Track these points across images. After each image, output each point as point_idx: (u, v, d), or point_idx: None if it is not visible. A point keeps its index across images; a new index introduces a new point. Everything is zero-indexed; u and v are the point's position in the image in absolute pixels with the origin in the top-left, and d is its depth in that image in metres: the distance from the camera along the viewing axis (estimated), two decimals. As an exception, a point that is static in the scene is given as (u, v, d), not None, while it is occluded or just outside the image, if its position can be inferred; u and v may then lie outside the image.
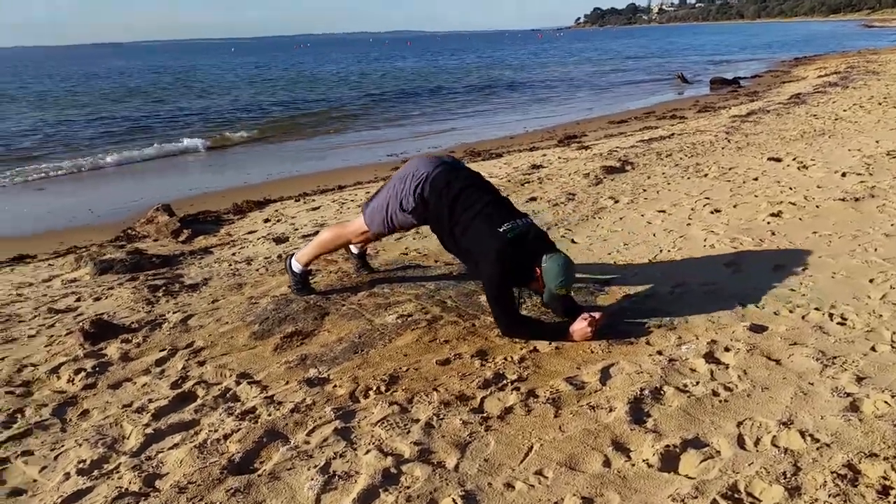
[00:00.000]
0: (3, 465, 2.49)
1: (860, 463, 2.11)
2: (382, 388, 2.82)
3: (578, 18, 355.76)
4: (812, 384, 2.65)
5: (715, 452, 2.26)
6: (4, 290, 4.93)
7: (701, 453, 2.25)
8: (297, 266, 3.98)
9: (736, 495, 2.03)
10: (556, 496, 2.10)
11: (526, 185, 7.17)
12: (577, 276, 4.16)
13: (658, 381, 2.74)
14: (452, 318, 3.54)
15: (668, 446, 2.29)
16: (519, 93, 23.83)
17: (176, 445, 2.51)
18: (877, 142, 8.02)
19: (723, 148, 8.57)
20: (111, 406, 2.89)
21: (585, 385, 2.77)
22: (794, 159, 7.34)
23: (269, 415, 2.66)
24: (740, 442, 2.30)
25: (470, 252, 3.34)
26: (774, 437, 2.31)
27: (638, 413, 2.52)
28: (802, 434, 2.29)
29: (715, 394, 2.63)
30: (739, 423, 2.41)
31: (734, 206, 5.56)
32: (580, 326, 3.15)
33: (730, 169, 7.16)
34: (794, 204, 5.41)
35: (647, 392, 2.65)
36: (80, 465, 2.42)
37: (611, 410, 2.55)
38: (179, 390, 2.97)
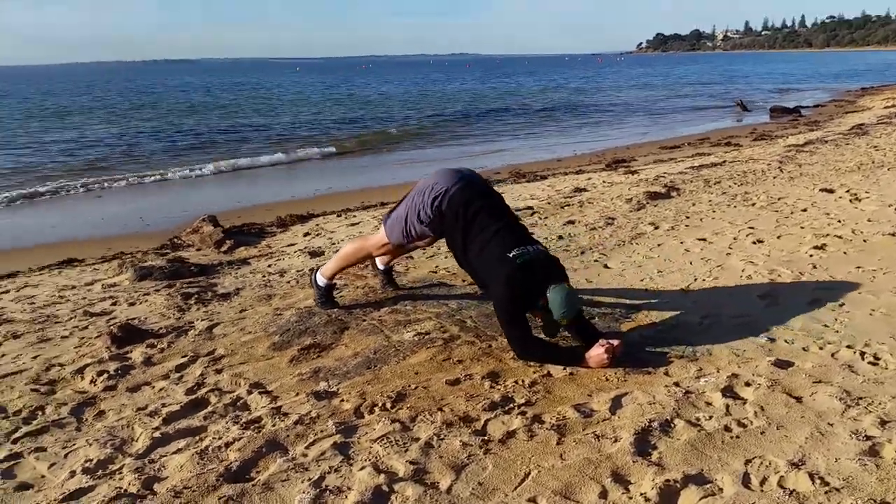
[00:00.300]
0: (16, 459, 2.57)
1: (869, 510, 2.00)
2: (388, 405, 2.81)
3: (640, 43, 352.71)
4: (831, 425, 2.53)
5: (717, 490, 2.18)
6: (49, 292, 5.12)
7: (702, 490, 2.17)
8: (321, 280, 4.02)
9: (734, 536, 1.95)
10: (545, 525, 2.05)
11: (566, 207, 7.11)
12: (605, 301, 4.12)
13: (670, 414, 2.66)
14: (470, 338, 3.51)
15: (668, 481, 2.21)
16: (572, 116, 23.75)
17: (180, 450, 2.55)
18: (938, 176, 7.70)
19: (774, 177, 8.35)
20: (126, 408, 2.95)
21: (594, 413, 2.71)
22: (847, 191, 7.10)
23: (273, 425, 2.67)
24: (745, 481, 2.21)
25: (481, 274, 3.33)
26: (782, 477, 2.21)
27: (643, 445, 2.44)
28: (812, 476, 2.19)
29: (727, 429, 2.54)
30: (748, 462, 2.32)
31: (778, 237, 5.39)
32: (597, 353, 3.09)
33: (779, 199, 6.97)
34: (840, 237, 5.22)
35: (655, 424, 2.57)
36: (87, 465, 2.48)
37: (616, 441, 2.48)
38: (193, 396, 3.01)
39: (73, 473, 2.43)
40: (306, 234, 6.91)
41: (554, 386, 2.97)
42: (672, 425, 2.58)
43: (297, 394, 2.96)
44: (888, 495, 2.07)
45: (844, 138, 12.14)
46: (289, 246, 6.36)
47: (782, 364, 3.07)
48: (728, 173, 8.87)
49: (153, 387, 3.17)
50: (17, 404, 3.01)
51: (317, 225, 7.41)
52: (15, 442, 2.69)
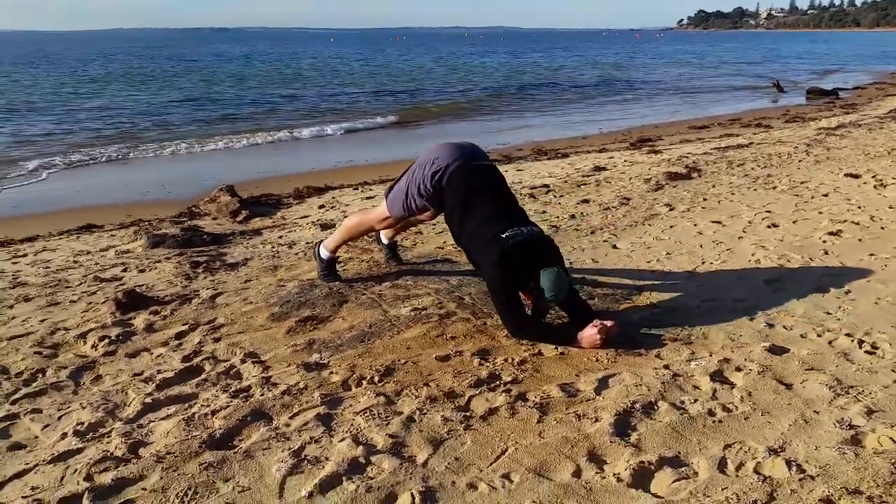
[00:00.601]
0: (12, 420, 2.65)
1: (840, 499, 1.98)
2: (376, 379, 2.83)
3: (681, 20, 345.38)
4: (817, 413, 2.50)
5: (692, 473, 2.17)
6: (64, 256, 5.24)
7: (676, 473, 2.16)
8: (324, 253, 4.05)
9: (701, 520, 1.95)
10: (515, 501, 2.06)
11: (582, 186, 7.05)
12: (608, 281, 4.09)
13: (654, 396, 2.64)
14: (466, 315, 3.52)
15: (643, 462, 2.21)
16: (602, 93, 23.44)
17: (169, 416, 2.60)
18: (970, 162, 7.47)
19: (800, 161, 8.17)
20: (123, 373, 3.02)
21: (579, 393, 2.71)
22: (873, 176, 6.92)
23: (262, 395, 2.72)
24: (721, 465, 2.20)
25: (473, 253, 3.34)
26: (759, 463, 2.19)
27: (623, 426, 2.44)
28: (789, 463, 2.17)
29: (711, 413, 2.52)
30: (727, 446, 2.30)
31: (794, 222, 5.29)
32: (589, 333, 3.08)
33: (801, 183, 6.83)
34: (857, 223, 5.10)
35: (638, 406, 2.56)
36: (78, 427, 2.54)
37: (596, 421, 2.48)
38: (188, 364, 3.07)
39: (64, 435, 2.50)
40: (321, 207, 6.96)
41: (543, 365, 2.97)
42: (655, 408, 2.57)
43: (289, 364, 3.00)
44: (862, 484, 2.05)
45: (880, 122, 11.82)
46: (302, 218, 6.41)
47: (777, 350, 3.04)
48: (753, 155, 8.70)
49: (152, 353, 3.23)
50: (19, 366, 3.10)
51: (333, 198, 7.44)
52: (14, 403, 2.77)
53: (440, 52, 62.36)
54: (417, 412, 2.56)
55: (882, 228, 4.96)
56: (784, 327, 3.31)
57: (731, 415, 2.51)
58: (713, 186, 6.84)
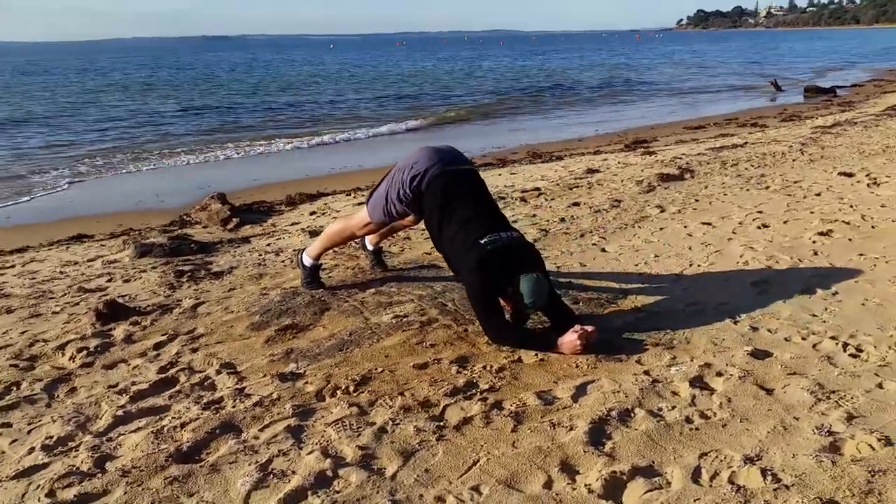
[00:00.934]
0: (-19, 435, 2.61)
1: (813, 509, 1.94)
2: (351, 389, 2.79)
3: (681, 20, 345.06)
4: (797, 419, 2.45)
5: (664, 483, 2.12)
6: (51, 267, 5.22)
7: (649, 483, 2.12)
8: (307, 260, 4.01)
9: (672, 532, 1.90)
10: (483, 514, 2.02)
11: (574, 189, 7.01)
12: (594, 285, 4.05)
13: (632, 403, 2.60)
14: (447, 321, 3.48)
15: (615, 472, 2.16)
16: (599, 94, 23.42)
17: (139, 429, 2.57)
18: (965, 160, 7.42)
19: (794, 160, 8.12)
20: (98, 385, 2.99)
21: (556, 400, 2.67)
22: (867, 175, 6.87)
23: (234, 406, 2.68)
24: (695, 475, 2.15)
25: (453, 259, 3.31)
26: (734, 472, 2.14)
27: (598, 435, 2.40)
28: (764, 472, 2.12)
29: (688, 420, 2.48)
30: (703, 455, 2.26)
31: (784, 223, 5.24)
32: (569, 339, 3.04)
33: (794, 182, 6.78)
34: (848, 223, 5.05)
35: (615, 413, 2.52)
36: (47, 441, 2.51)
37: (571, 429, 2.44)
38: (164, 375, 3.04)
39: (31, 450, 2.47)
40: (312, 213, 6.93)
41: (522, 372, 2.93)
42: (632, 415, 2.52)
43: (265, 375, 2.97)
44: (837, 494, 2.00)
45: (876, 120, 11.76)
46: (292, 225, 6.38)
47: (759, 354, 2.99)
48: (747, 155, 8.65)
49: (129, 364, 3.20)
50: (-6, 379, 3.07)
51: (325, 204, 7.42)
52: (-16, 417, 2.74)
53: (440, 56, 62.43)
54: (390, 423, 2.52)
55: (873, 227, 4.91)
56: (768, 330, 3.26)
57: (709, 422, 2.46)
58: (705, 187, 6.80)
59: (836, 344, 3.05)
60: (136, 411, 2.71)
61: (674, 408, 2.57)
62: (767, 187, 6.63)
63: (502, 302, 3.26)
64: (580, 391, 2.73)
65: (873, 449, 2.22)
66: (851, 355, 2.95)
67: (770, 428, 2.40)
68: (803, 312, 3.46)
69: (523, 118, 17.48)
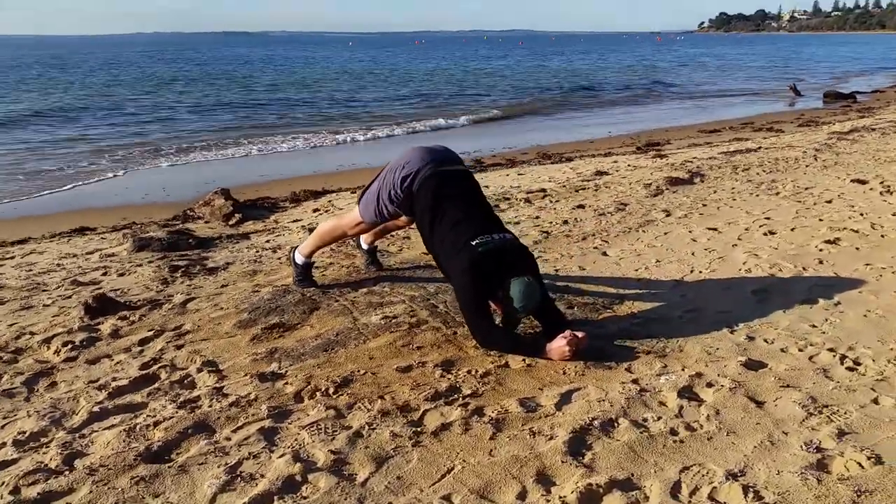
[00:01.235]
0: (-46, 430, 2.58)
1: (793, 531, 1.86)
2: (330, 391, 2.74)
3: (703, 23, 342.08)
4: (786, 434, 2.36)
5: (642, 498, 2.05)
6: (49, 259, 5.21)
7: (625, 497, 2.05)
8: (299, 258, 3.96)
9: (645, 549, 1.83)
10: (452, 525, 1.96)
11: (580, 191, 6.92)
12: (591, 290, 3.97)
13: (616, 412, 2.53)
14: (437, 323, 3.42)
15: (592, 485, 2.09)
16: (615, 96, 23.24)
17: (112, 427, 2.52)
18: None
19: (807, 165, 7.97)
20: (79, 380, 2.95)
21: (539, 408, 2.59)
22: (881, 182, 6.73)
23: (210, 406, 2.63)
24: (674, 490, 2.08)
25: (443, 261, 3.24)
26: (714, 488, 2.07)
27: (578, 445, 2.32)
28: (746, 489, 2.04)
29: (673, 432, 2.40)
30: (684, 469, 2.18)
31: (791, 230, 5.13)
32: (558, 345, 2.97)
33: (805, 189, 6.65)
34: (856, 231, 4.93)
35: (597, 423, 2.45)
36: (19, 437, 2.47)
37: (550, 438, 2.36)
38: (145, 371, 3.00)
39: (2, 445, 2.43)
40: (315, 210, 6.89)
41: (507, 377, 2.86)
42: (615, 425, 2.45)
43: (245, 374, 2.91)
44: (821, 515, 1.92)
45: (894, 126, 11.55)
46: (294, 222, 6.34)
47: (753, 365, 2.90)
48: (760, 160, 8.51)
49: (112, 360, 3.16)
50: (-25, 372, 3.04)
51: (328, 201, 7.38)
52: (-39, 411, 2.71)
53: (458, 54, 62.36)
54: (366, 427, 2.46)
55: (882, 237, 4.79)
56: (765, 340, 3.17)
57: (694, 434, 2.38)
58: (714, 192, 6.68)
59: (834, 356, 2.96)
60: (112, 408, 2.67)
61: (659, 418, 2.49)
62: (777, 193, 6.50)
63: (493, 305, 3.19)
64: (565, 399, 2.66)
65: (862, 467, 2.13)
66: (848, 368, 2.85)
67: (757, 442, 2.31)
68: (803, 323, 3.37)
69: (538, 119, 17.38)
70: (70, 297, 4.10)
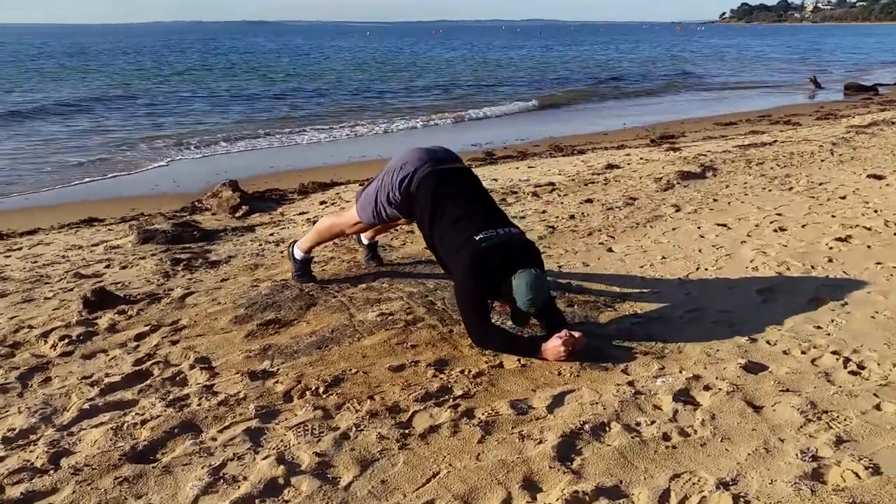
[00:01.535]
0: (-55, 425, 2.58)
1: (782, 544, 1.80)
2: (320, 390, 2.71)
3: (724, 13, 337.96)
4: (782, 440, 2.30)
5: (629, 506, 2.00)
6: (55, 251, 5.23)
7: (612, 505, 2.00)
8: (298, 253, 3.94)
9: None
10: (434, 532, 1.92)
11: (589, 185, 6.84)
12: (593, 287, 3.91)
13: (609, 416, 2.48)
14: (433, 321, 3.38)
15: (578, 492, 2.05)
16: (632, 87, 22.99)
17: (101, 424, 2.51)
18: None
19: (822, 160, 7.83)
20: (73, 376, 2.95)
21: (530, 410, 2.55)
22: (898, 178, 6.59)
23: (198, 405, 2.61)
24: (663, 498, 2.03)
25: (445, 259, 3.18)
26: (704, 497, 2.01)
27: (567, 449, 2.28)
28: (736, 499, 1.99)
29: (666, 437, 2.35)
30: (675, 476, 2.13)
31: (802, 226, 5.03)
32: (553, 345, 2.92)
33: (820, 184, 6.53)
34: (869, 229, 4.83)
35: (588, 427, 2.40)
36: (8, 434, 2.47)
37: (540, 443, 2.32)
38: (139, 368, 2.99)
39: (-8, 441, 2.43)
40: (322, 203, 6.87)
41: (500, 378, 2.81)
42: (607, 429, 2.40)
43: (237, 372, 2.89)
44: (812, 528, 1.87)
45: (916, 119, 11.33)
46: (300, 214, 6.32)
47: (754, 368, 2.84)
48: (774, 154, 8.37)
49: (107, 355, 3.16)
50: (-30, 367, 3.05)
51: (336, 194, 7.35)
52: (-48, 406, 2.71)
53: (476, 44, 62.08)
54: (354, 428, 2.43)
55: (895, 235, 4.68)
56: (767, 342, 3.10)
57: (688, 440, 2.33)
58: (726, 186, 6.58)
59: (837, 359, 2.89)
60: (102, 405, 2.66)
61: (653, 423, 2.44)
62: (791, 188, 6.39)
63: (500, 304, 3.13)
64: (557, 401, 2.61)
65: (859, 477, 2.07)
66: (852, 372, 2.78)
67: (751, 449, 2.26)
68: (807, 324, 3.29)
69: (552, 111, 17.23)
70: (72, 289, 4.11)
